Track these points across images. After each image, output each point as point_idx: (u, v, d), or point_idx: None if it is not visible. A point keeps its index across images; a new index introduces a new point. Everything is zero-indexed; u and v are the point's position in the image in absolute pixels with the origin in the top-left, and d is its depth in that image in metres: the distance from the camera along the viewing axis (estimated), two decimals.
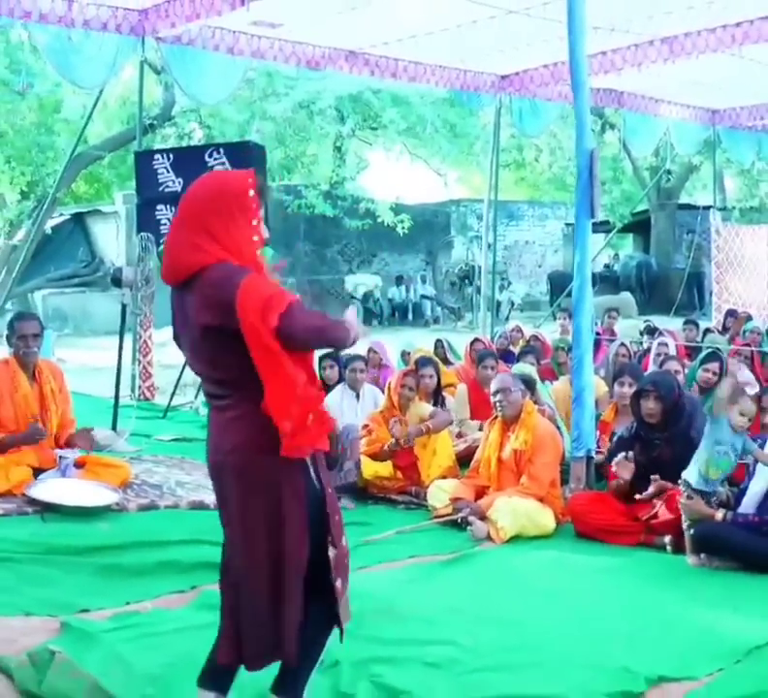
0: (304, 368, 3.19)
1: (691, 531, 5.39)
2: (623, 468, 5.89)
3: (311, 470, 3.25)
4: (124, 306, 8.82)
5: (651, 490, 5.79)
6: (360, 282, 24.32)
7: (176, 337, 3.39)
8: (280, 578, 3.20)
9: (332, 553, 3.27)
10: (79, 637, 4.12)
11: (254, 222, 3.28)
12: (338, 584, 3.29)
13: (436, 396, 7.83)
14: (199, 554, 5.23)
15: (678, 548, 5.57)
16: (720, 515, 5.29)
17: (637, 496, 5.84)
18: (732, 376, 5.28)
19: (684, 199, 28.09)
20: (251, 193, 3.27)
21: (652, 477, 5.79)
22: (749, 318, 12.60)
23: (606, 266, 25.97)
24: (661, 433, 5.95)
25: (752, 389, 7.00)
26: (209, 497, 6.37)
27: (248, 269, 3.20)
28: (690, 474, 5.36)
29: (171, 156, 10.54)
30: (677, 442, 5.85)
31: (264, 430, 3.12)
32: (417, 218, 24.76)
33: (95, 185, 30.13)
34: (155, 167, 10.48)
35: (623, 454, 5.92)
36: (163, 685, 3.66)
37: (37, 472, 6.36)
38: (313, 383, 3.26)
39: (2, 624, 4.31)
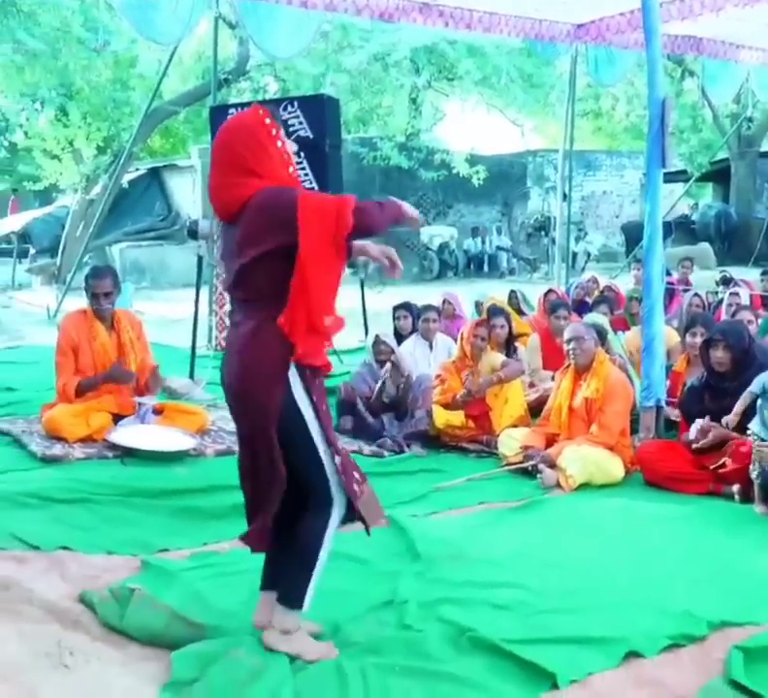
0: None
1: (760, 480, 5.41)
2: (700, 435, 5.86)
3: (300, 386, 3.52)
4: (200, 258, 8.96)
5: (709, 437, 5.78)
6: (435, 234, 24.20)
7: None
8: (256, 464, 3.57)
9: (337, 460, 3.56)
10: (158, 574, 4.29)
11: (279, 144, 3.57)
12: (355, 486, 3.59)
13: (509, 346, 7.88)
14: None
15: (746, 497, 5.58)
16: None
17: (695, 445, 5.85)
18: None
19: (765, 147, 27.48)
20: (267, 120, 3.56)
21: (710, 423, 5.79)
22: None
23: (683, 216, 25.49)
24: (731, 382, 5.92)
25: None
26: None
27: (290, 186, 3.50)
28: (756, 424, 5.36)
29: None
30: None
31: (270, 344, 3.48)
32: (492, 169, 24.55)
33: (171, 140, 30.39)
34: None
35: (701, 421, 5.88)
36: (239, 620, 3.80)
37: (116, 418, 6.57)
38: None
39: (85, 562, 4.51)
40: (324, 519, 3.58)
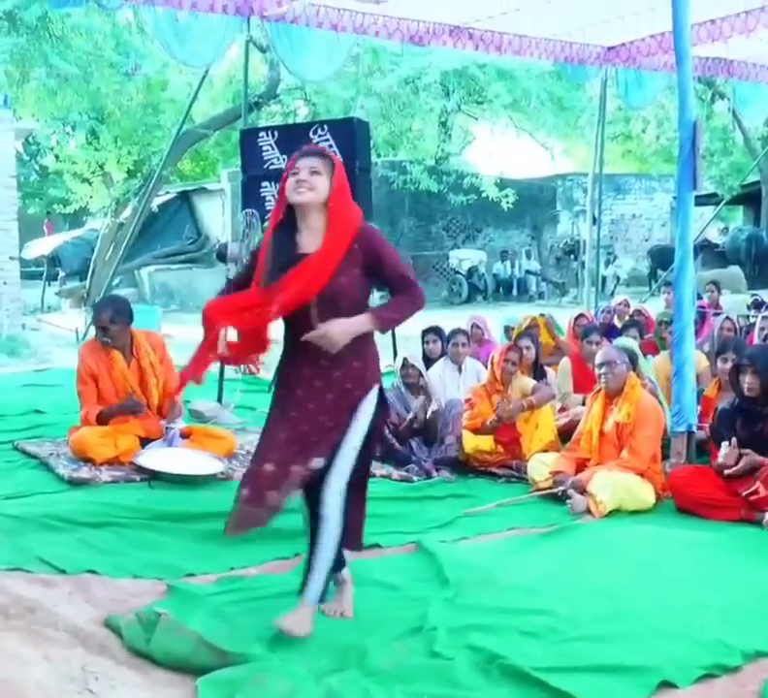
0: None
1: None
2: (728, 457, 5.80)
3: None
4: (229, 281, 8.96)
5: (741, 464, 5.72)
6: (464, 257, 24.23)
7: None
8: None
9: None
10: (184, 599, 4.26)
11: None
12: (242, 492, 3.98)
13: (536, 369, 7.83)
14: (301, 522, 5.35)
15: None
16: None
17: (726, 472, 5.78)
18: None
19: None
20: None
21: (742, 451, 5.73)
22: None
23: (705, 240, 25.29)
24: (763, 408, 5.87)
25: None
26: None
27: None
28: None
29: (275, 133, 10.66)
30: None
31: None
32: (522, 193, 24.56)
33: (201, 163, 30.59)
34: (260, 144, 10.60)
35: (727, 444, 5.81)
36: (267, 646, 3.77)
37: (144, 442, 6.55)
38: None
39: (111, 586, 4.48)
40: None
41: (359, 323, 3.78)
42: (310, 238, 3.86)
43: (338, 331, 3.74)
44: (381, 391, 3.99)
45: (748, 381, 5.90)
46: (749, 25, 10.86)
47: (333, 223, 3.82)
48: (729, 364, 6.61)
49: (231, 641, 3.78)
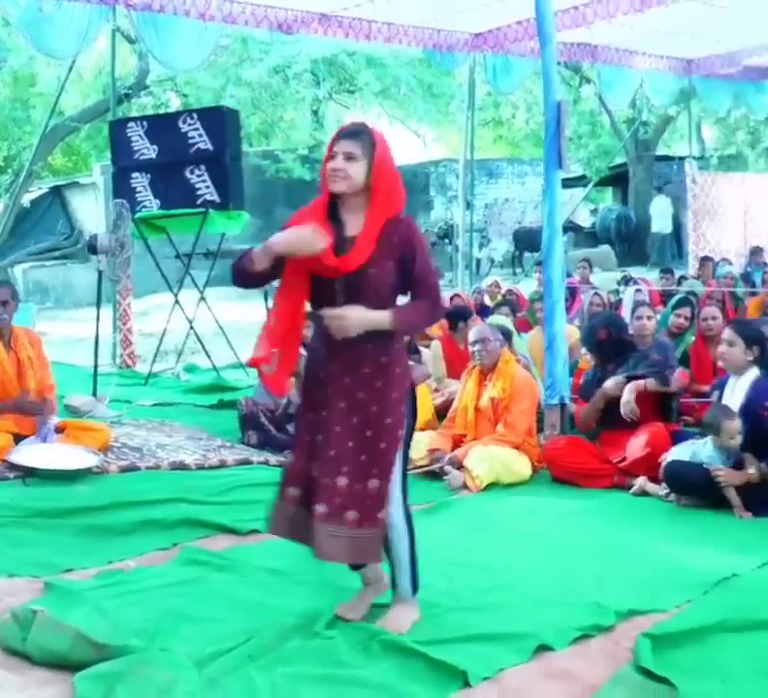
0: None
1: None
2: (614, 385, 6.14)
3: None
4: (100, 273, 8.83)
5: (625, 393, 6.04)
6: None
7: None
8: None
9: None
10: (62, 595, 4.17)
11: None
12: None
13: (409, 348, 7.87)
14: (179, 512, 5.32)
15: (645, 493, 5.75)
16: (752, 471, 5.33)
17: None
18: (720, 417, 5.37)
19: (663, 150, 27.96)
20: None
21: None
22: (724, 263, 12.67)
23: (570, 222, 25.75)
24: (616, 358, 6.31)
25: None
26: (190, 458, 6.47)
27: None
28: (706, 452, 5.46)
29: (145, 124, 10.56)
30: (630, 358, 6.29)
31: None
32: None
33: (73, 158, 30.01)
34: (129, 135, 10.50)
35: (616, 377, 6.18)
36: (147, 637, 3.72)
37: (18, 438, 6.39)
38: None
39: None
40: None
41: (378, 316, 3.63)
42: (355, 222, 3.74)
43: (355, 317, 3.60)
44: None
45: (602, 337, 6.36)
46: (610, 11, 11.10)
47: (373, 206, 3.70)
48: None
49: (110, 634, 3.72)
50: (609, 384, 6.16)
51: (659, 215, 23.10)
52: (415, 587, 3.88)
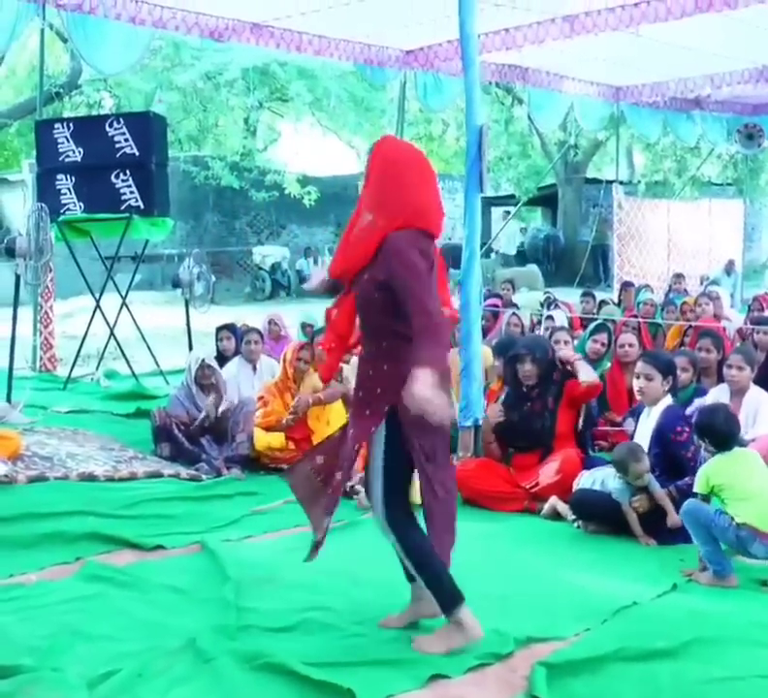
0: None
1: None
2: (491, 411, 6.40)
3: None
4: (18, 277, 8.70)
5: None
6: (267, 253, 24.21)
7: None
8: None
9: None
10: None
11: None
12: None
13: None
14: (85, 525, 5.26)
15: (556, 514, 5.79)
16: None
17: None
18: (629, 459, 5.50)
19: (592, 173, 28.41)
20: None
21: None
22: (645, 290, 12.87)
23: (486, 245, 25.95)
24: (535, 390, 6.32)
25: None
26: (99, 469, 6.39)
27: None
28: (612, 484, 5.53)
29: (71, 126, 10.45)
30: (550, 394, 6.30)
31: None
32: (326, 190, 24.70)
33: (3, 153, 29.57)
34: (56, 136, 10.38)
35: (494, 404, 6.42)
36: (40, 656, 3.65)
37: None
38: None
39: None
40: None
41: (420, 375, 3.47)
42: None
43: (415, 393, 3.48)
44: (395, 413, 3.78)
45: (526, 369, 6.29)
46: (540, 36, 11.21)
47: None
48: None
49: (4, 652, 3.66)
50: (489, 412, 6.47)
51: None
52: (445, 607, 3.87)
